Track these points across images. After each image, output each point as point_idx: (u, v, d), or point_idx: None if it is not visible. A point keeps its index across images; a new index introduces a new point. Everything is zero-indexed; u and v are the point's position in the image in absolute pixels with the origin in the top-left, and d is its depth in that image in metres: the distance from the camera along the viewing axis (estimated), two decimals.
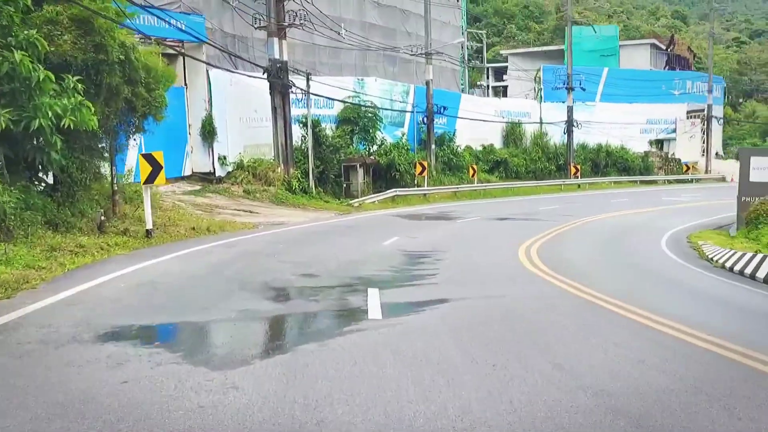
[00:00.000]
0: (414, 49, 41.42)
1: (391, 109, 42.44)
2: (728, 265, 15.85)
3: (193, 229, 20.27)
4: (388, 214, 29.14)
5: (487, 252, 17.45)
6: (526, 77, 67.68)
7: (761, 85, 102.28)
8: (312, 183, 32.43)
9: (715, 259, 16.96)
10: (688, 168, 58.97)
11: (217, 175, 31.35)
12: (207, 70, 30.39)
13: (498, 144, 53.23)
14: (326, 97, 35.21)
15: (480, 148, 50.50)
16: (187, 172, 30.88)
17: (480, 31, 62.63)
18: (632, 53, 73.44)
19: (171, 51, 27.47)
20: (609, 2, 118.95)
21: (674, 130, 63.92)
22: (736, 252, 16.73)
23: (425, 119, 42.54)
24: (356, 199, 33.00)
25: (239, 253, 16.09)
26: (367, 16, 43.55)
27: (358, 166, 35.31)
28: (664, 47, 75.66)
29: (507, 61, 77.07)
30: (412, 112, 42.63)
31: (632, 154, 58.82)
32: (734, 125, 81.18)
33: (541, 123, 55.85)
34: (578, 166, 51.25)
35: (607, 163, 57.41)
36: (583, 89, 54.22)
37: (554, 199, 40.96)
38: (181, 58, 29.63)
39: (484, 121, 47.86)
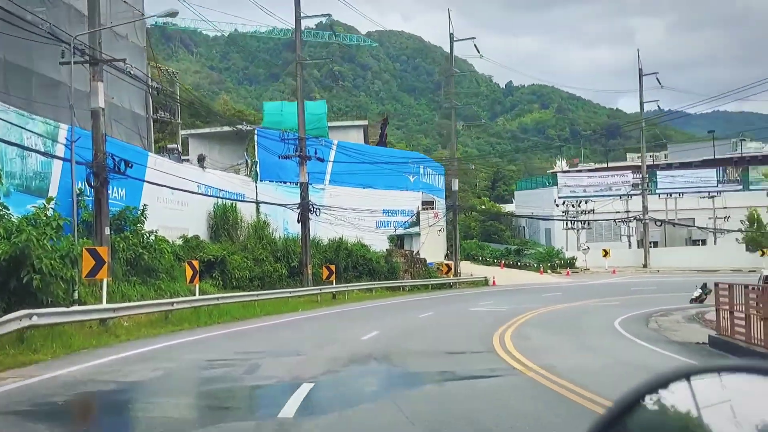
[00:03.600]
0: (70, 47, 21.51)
1: (23, 145, 21.84)
2: None
3: None
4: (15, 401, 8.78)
5: None
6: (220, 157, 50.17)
7: None
8: None
9: None
10: (449, 269, 46.06)
11: None
12: None
13: (204, 235, 34.67)
14: None
15: (180, 241, 31.45)
16: None
17: (171, 70, 43.74)
18: (344, 135, 60.48)
19: None
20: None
21: (414, 224, 51.33)
22: None
23: (90, 180, 22.45)
24: None
25: None
26: None
27: None
28: (377, 130, 64.48)
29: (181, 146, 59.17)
30: (69, 160, 22.05)
31: (375, 253, 44.28)
32: None
33: (257, 203, 38.80)
34: (332, 268, 34.55)
35: (347, 265, 41.82)
36: (321, 159, 38.58)
37: (330, 316, 23.91)
38: None
39: (191, 192, 29.17)
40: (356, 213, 43.76)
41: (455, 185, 49.67)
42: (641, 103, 63.00)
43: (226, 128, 61.76)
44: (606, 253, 59.10)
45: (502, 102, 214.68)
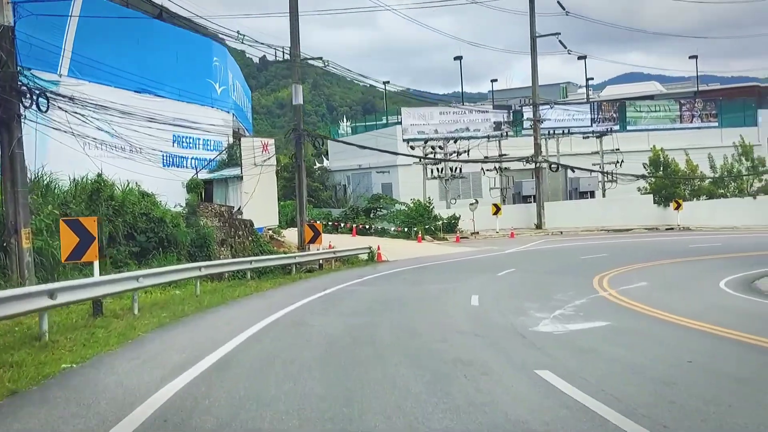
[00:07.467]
0: None
1: None
2: None
3: None
4: None
5: None
6: None
7: None
8: None
9: None
10: (316, 234, 25.84)
11: None
12: None
13: None
14: None
15: None
16: None
17: None
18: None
19: None
20: None
21: (228, 163, 30.33)
22: None
23: None
24: None
25: None
26: None
27: None
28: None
29: None
30: None
31: (169, 211, 23.10)
32: None
33: None
34: (90, 227, 12.84)
35: (118, 231, 20.31)
36: None
37: None
38: None
39: None
40: (130, 121, 22.13)
41: (298, 95, 29.12)
42: (532, 22, 47.58)
43: None
44: (497, 210, 42.47)
45: (256, 77, 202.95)
